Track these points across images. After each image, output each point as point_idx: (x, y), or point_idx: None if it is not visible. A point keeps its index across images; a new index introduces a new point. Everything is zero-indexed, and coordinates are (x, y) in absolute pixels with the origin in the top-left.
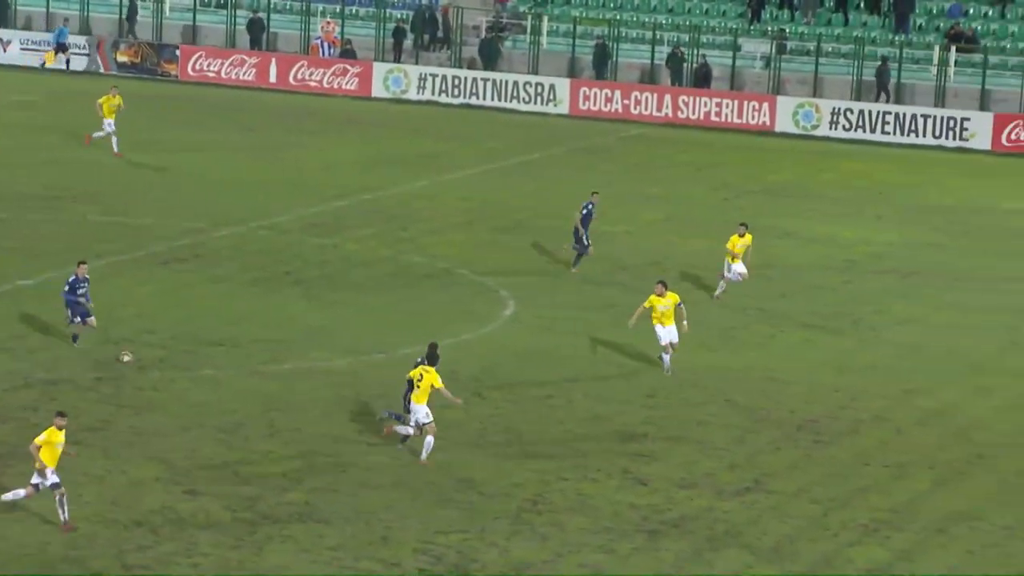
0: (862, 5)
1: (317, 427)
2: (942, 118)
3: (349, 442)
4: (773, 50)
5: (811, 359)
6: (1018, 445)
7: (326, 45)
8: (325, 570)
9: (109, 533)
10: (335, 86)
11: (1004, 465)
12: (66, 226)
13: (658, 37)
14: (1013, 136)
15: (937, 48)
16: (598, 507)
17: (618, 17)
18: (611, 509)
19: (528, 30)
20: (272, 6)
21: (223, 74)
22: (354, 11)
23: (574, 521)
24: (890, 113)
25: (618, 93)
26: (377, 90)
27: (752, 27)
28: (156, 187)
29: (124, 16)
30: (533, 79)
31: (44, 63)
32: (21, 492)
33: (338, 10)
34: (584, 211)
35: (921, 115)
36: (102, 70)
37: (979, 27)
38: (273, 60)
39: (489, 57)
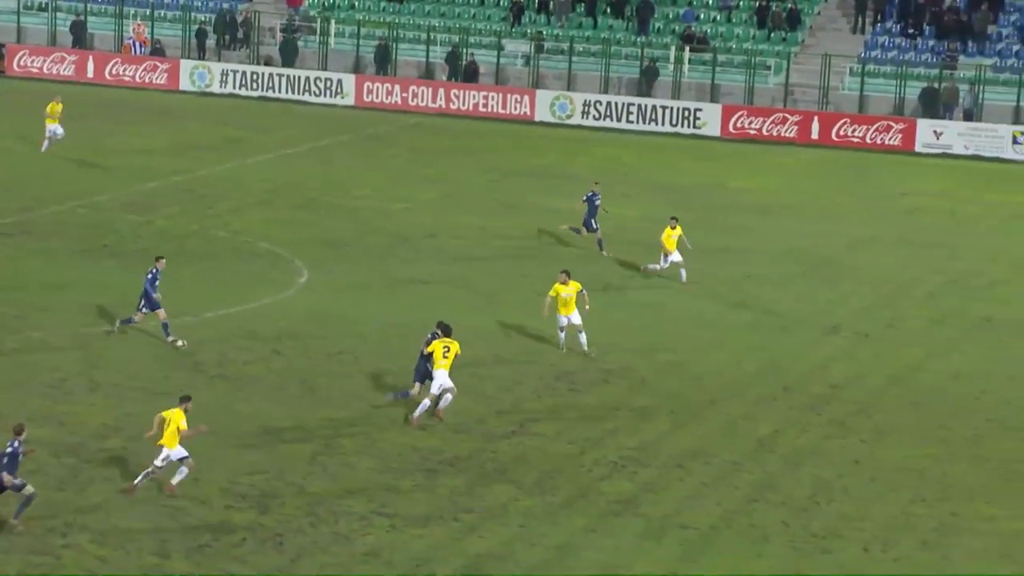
0: (608, 10)
1: (134, 382)
2: (678, 109)
3: (161, 395)
4: (532, 49)
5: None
6: (743, 391)
7: (138, 44)
8: (142, 508)
9: None
10: (146, 81)
11: (732, 409)
12: None
13: (432, 38)
14: (738, 124)
15: (673, 48)
16: (384, 450)
17: (397, 20)
18: (395, 451)
19: (318, 31)
20: (89, 9)
21: (45, 70)
22: (162, 14)
23: (363, 462)
24: (634, 104)
25: (398, 87)
26: (184, 84)
27: (514, 29)
28: None
29: None
30: (323, 74)
31: None
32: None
33: (148, 13)
34: (585, 200)
35: (660, 106)
36: None
37: (709, 30)
38: (91, 57)
39: (288, 55)
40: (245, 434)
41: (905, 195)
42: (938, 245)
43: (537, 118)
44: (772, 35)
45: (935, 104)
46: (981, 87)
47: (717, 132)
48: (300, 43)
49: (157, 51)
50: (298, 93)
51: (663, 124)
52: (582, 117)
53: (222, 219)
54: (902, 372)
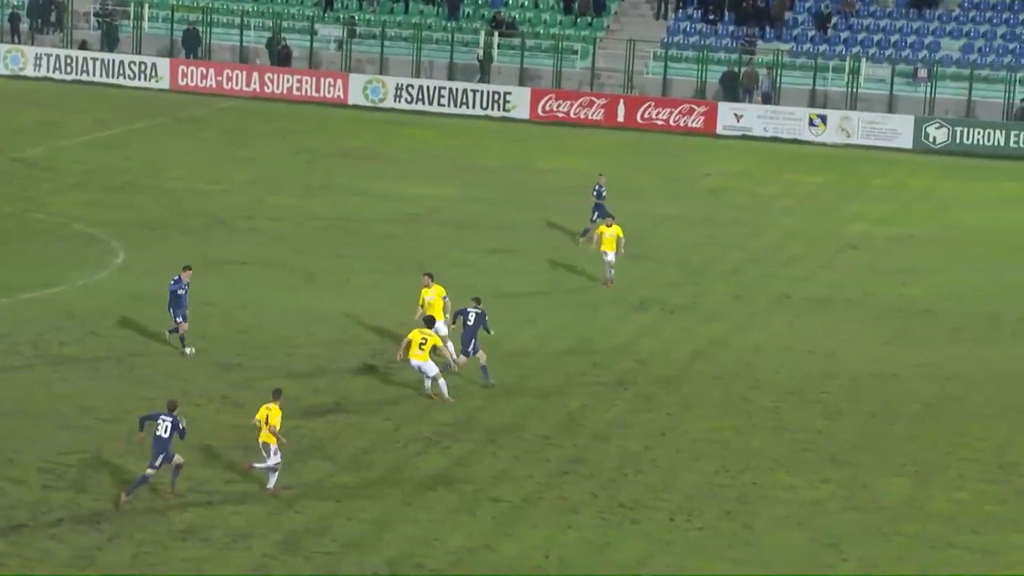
0: None
1: None
2: (488, 92)
3: None
4: (345, 34)
5: (381, 298)
6: (553, 367)
7: None
8: None
9: None
10: None
11: (543, 384)
12: None
13: (246, 23)
14: (547, 107)
15: (483, 33)
16: (201, 427)
17: (212, 4)
18: (212, 429)
19: (132, 15)
20: None
21: None
22: None
23: (180, 440)
24: (445, 88)
25: (212, 71)
26: None
27: (326, 14)
28: None
29: None
30: (137, 58)
31: None
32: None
33: None
34: (595, 193)
35: (471, 90)
36: None
37: (517, 15)
38: None
39: (109, 40)
40: (62, 414)
41: (708, 175)
42: (739, 223)
43: (350, 101)
44: (579, 20)
45: (735, 88)
46: (779, 71)
47: (526, 115)
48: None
49: None
50: (113, 77)
51: (474, 107)
52: (395, 100)
53: (38, 201)
54: (706, 347)
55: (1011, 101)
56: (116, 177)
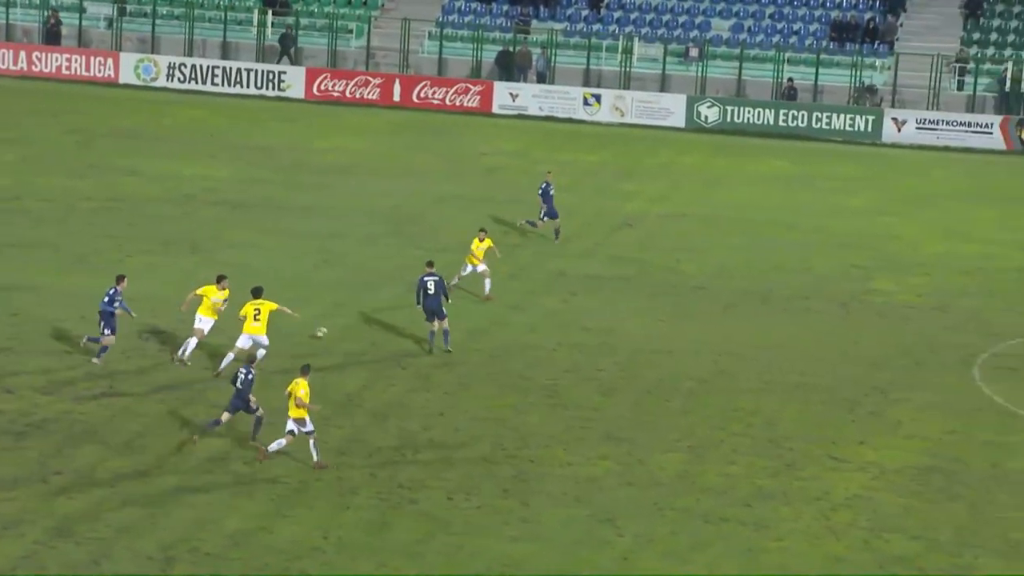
0: None
1: None
2: (263, 71)
3: None
4: (115, 12)
5: (155, 279)
6: (331, 348)
7: None
8: None
9: None
10: None
11: (320, 365)
12: None
13: (13, 0)
14: (322, 87)
15: (256, 12)
16: None
17: None
18: None
19: None
20: None
21: None
22: None
23: None
24: (219, 67)
25: None
26: None
27: None
28: None
29: None
30: None
31: None
32: (283, 441)
33: None
34: (540, 192)
35: (245, 69)
36: None
37: None
38: None
39: None
40: None
41: (484, 155)
42: (516, 202)
43: (122, 80)
44: (353, 0)
45: (510, 67)
46: (553, 51)
47: (301, 94)
48: None
49: None
50: None
51: (248, 86)
52: (167, 80)
53: None
54: (483, 325)
55: (780, 80)
56: None
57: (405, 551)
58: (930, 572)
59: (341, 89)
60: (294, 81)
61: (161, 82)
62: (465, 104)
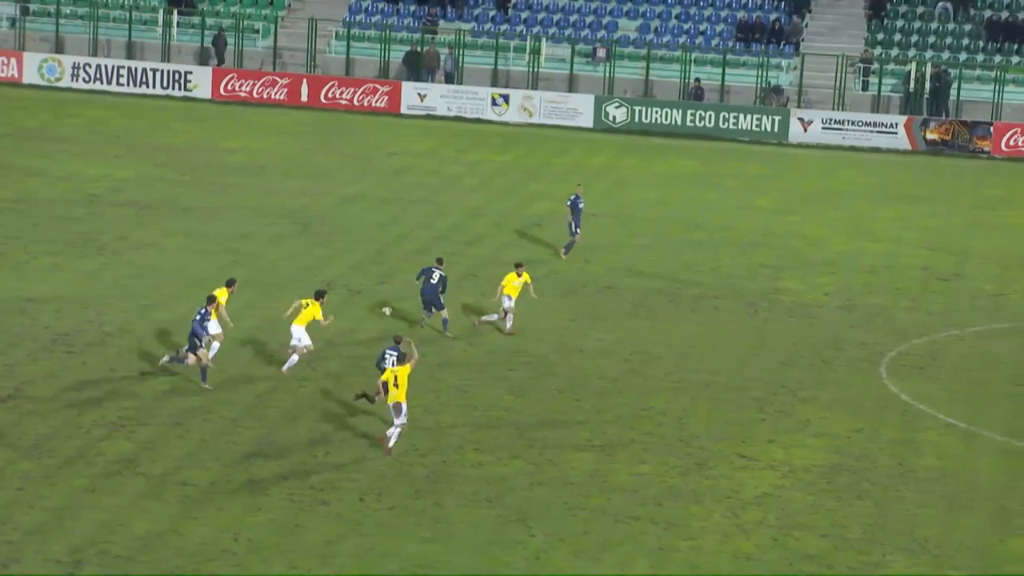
0: None
1: None
2: (169, 72)
3: None
4: (18, 12)
5: (61, 280)
6: (242, 348)
7: None
8: None
9: None
10: None
11: (229, 367)
12: None
13: None
14: (229, 87)
15: (161, 11)
16: None
17: None
18: None
19: None
20: None
21: None
22: None
23: None
24: (124, 67)
25: None
26: None
27: None
28: None
29: None
30: None
31: None
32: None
33: None
34: (569, 204)
35: (151, 69)
36: None
37: None
38: None
39: None
40: None
41: (393, 155)
42: (425, 202)
43: (25, 80)
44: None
45: (418, 67)
46: (461, 51)
47: (208, 95)
48: None
49: None
50: None
51: (154, 87)
52: (72, 80)
53: None
54: (396, 326)
55: (687, 81)
56: None
57: (317, 552)
58: (839, 570)
59: (248, 89)
60: (200, 81)
61: (66, 82)
62: (373, 104)
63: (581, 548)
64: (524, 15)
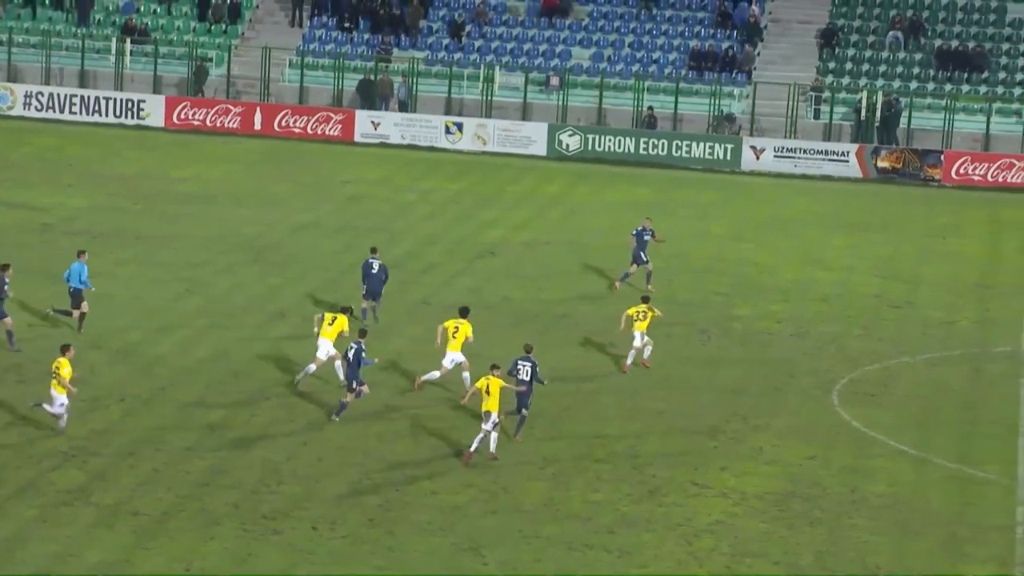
0: (47, 2)
1: None
2: (122, 100)
3: None
4: None
5: (12, 309)
6: (193, 377)
7: None
8: None
9: None
10: None
11: (182, 395)
12: None
13: None
14: (182, 115)
15: (115, 40)
16: None
17: None
18: None
19: None
20: None
21: None
22: None
23: None
24: (76, 96)
25: None
26: None
27: None
28: None
29: None
30: None
31: None
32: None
33: None
34: (635, 234)
35: (104, 97)
36: None
37: (150, 22)
38: None
39: None
40: None
41: (346, 183)
42: (378, 231)
43: None
44: (213, 28)
45: (372, 96)
46: (414, 79)
47: (161, 123)
48: None
49: None
50: None
51: (107, 115)
52: (24, 108)
53: None
54: None
55: (640, 109)
56: None
57: None
58: None
59: (201, 118)
60: (153, 110)
61: (18, 110)
62: (327, 132)
63: None
64: (478, 43)
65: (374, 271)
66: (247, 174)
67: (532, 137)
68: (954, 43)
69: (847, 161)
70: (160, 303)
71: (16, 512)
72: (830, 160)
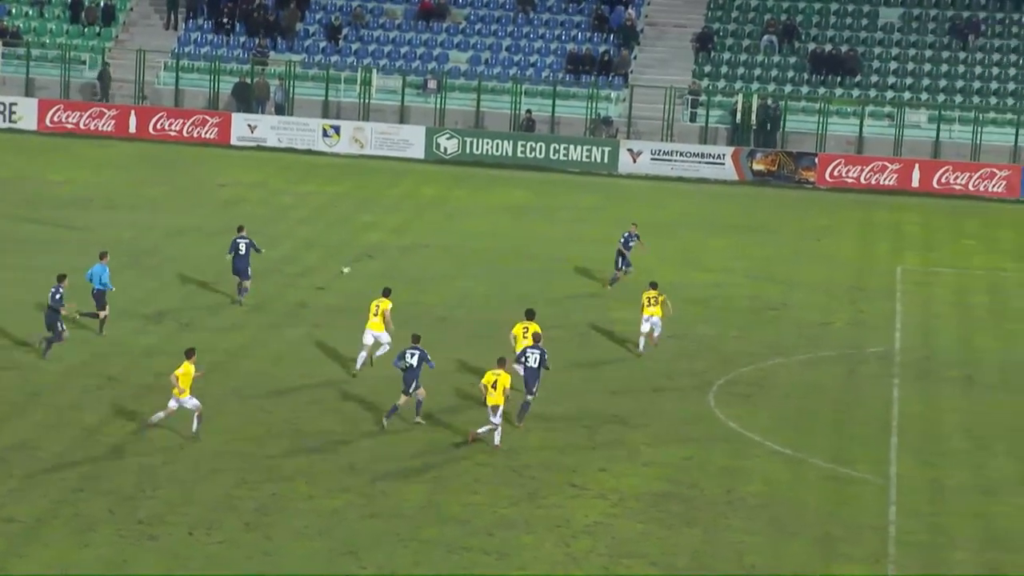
0: None
1: None
2: None
3: None
4: None
5: None
6: (68, 382)
7: None
8: None
9: None
10: None
11: (57, 400)
12: None
13: None
14: (55, 119)
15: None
16: None
17: None
18: None
19: None
20: None
21: None
22: None
23: None
24: None
25: None
26: None
27: None
28: None
29: None
30: None
31: None
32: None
33: None
34: (623, 240)
35: None
36: None
37: (22, 24)
38: None
39: None
40: None
41: (223, 186)
42: (256, 234)
43: None
44: (86, 30)
45: (248, 99)
46: (291, 82)
47: (34, 126)
48: None
49: None
50: None
51: None
52: None
53: None
54: (224, 358)
55: (517, 112)
56: None
57: None
58: None
59: (75, 121)
60: (26, 113)
61: None
62: (203, 136)
63: None
64: (355, 46)
65: (242, 252)
66: (123, 178)
67: (410, 140)
68: (827, 47)
69: (723, 164)
70: (38, 306)
71: None
72: (706, 163)
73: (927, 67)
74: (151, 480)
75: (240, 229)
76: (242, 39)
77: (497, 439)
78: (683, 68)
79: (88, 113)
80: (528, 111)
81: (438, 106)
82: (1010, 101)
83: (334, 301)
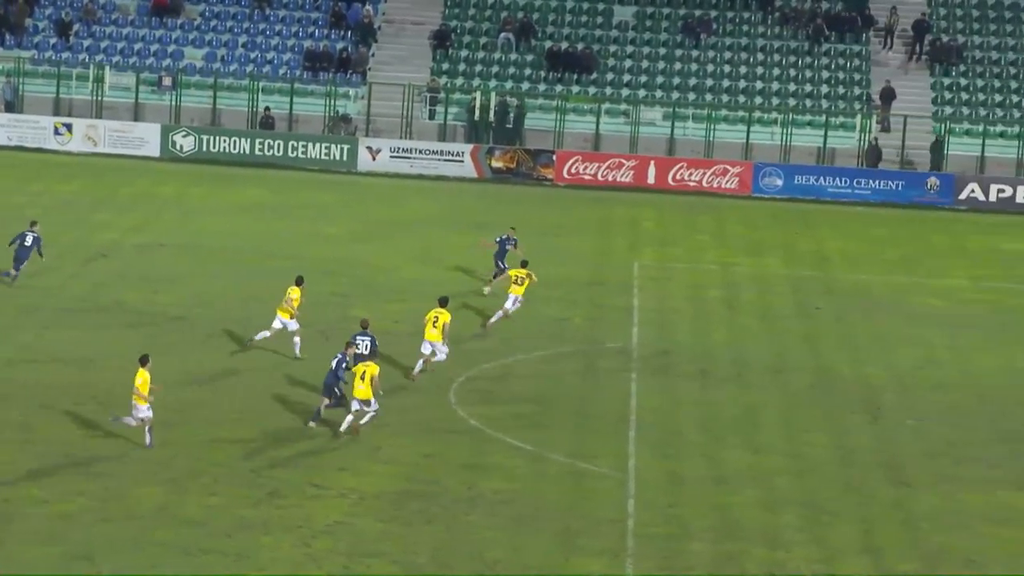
0: None
1: None
2: None
3: None
4: None
5: None
6: None
7: None
8: None
9: None
10: None
11: None
12: None
13: None
14: None
15: None
16: None
17: None
18: None
19: None
20: None
21: None
22: None
23: None
24: None
25: None
26: None
27: None
28: None
29: None
30: None
31: None
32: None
33: None
34: (497, 241)
35: None
36: None
37: None
38: None
39: None
40: None
41: None
42: None
43: None
44: None
45: None
46: (21, 79)
47: None
48: None
49: None
50: None
51: None
52: None
53: None
54: None
55: (255, 109)
56: None
57: None
58: None
59: None
60: None
61: None
62: None
63: None
64: (87, 43)
65: (27, 244)
66: None
67: (145, 138)
68: (564, 45)
69: (462, 161)
70: None
71: None
72: (445, 160)
73: (661, 65)
74: None
75: (33, 224)
76: None
77: (364, 419)
78: (421, 65)
79: None
80: (266, 108)
81: (173, 103)
82: (741, 99)
83: (66, 303)
